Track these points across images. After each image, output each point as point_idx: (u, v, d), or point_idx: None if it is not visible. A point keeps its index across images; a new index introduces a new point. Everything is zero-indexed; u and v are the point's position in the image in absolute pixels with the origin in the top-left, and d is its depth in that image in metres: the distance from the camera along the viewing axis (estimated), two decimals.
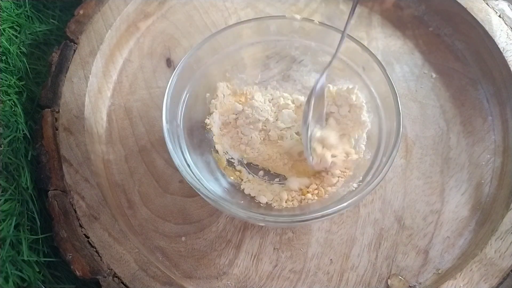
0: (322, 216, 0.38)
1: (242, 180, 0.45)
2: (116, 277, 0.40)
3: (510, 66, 0.50)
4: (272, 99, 0.48)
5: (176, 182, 0.47)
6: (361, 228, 0.45)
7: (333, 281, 0.43)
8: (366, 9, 0.58)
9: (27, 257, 0.39)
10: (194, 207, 0.46)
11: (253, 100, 0.47)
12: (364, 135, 0.45)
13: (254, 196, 0.44)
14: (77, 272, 0.40)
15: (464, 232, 0.45)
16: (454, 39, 0.56)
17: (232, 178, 0.45)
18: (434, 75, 0.54)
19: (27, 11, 0.54)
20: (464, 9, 0.53)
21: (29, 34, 0.53)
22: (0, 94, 0.46)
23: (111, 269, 0.40)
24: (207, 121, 0.47)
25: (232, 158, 0.46)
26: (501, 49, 0.51)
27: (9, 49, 0.49)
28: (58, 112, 0.47)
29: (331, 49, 0.48)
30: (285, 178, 0.45)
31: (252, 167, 0.46)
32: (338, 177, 0.44)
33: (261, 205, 0.43)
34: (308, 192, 0.43)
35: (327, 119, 0.46)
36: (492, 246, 0.42)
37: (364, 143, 0.45)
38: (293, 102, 0.48)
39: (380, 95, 0.45)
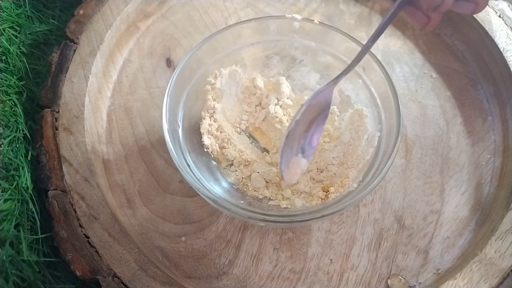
0: (322, 216, 0.38)
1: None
2: (116, 277, 0.40)
3: (510, 66, 0.50)
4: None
5: (176, 182, 0.47)
6: (361, 228, 0.45)
7: (333, 281, 0.43)
8: (366, 9, 0.58)
9: (27, 257, 0.39)
10: (194, 207, 0.46)
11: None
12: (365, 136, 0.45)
13: (256, 192, 0.44)
14: (77, 272, 0.40)
15: (464, 232, 0.45)
16: (454, 39, 0.56)
17: (232, 178, 0.45)
18: (434, 75, 0.54)
19: (27, 11, 0.54)
20: None
21: (29, 34, 0.53)
22: (0, 94, 0.46)
23: (111, 269, 0.40)
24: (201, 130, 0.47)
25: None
26: (501, 49, 0.51)
27: (9, 49, 0.49)
28: (58, 112, 0.47)
29: (331, 49, 0.48)
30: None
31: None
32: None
33: (261, 204, 0.43)
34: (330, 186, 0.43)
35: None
36: (492, 246, 0.42)
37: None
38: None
39: (380, 95, 0.45)
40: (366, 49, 0.40)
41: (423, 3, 0.31)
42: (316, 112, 0.43)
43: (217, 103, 0.47)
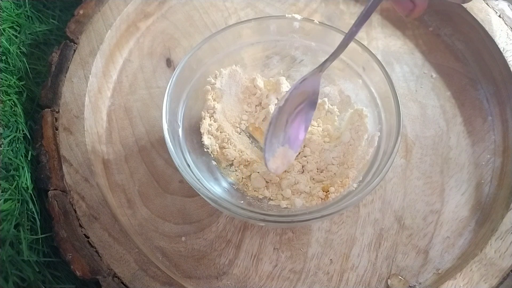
0: (322, 216, 0.38)
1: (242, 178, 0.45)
2: (116, 277, 0.40)
3: (510, 66, 0.50)
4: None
5: (176, 182, 0.47)
6: (361, 228, 0.45)
7: (333, 281, 0.43)
8: None
9: (27, 257, 0.39)
10: (194, 207, 0.46)
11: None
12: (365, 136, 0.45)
13: (256, 192, 0.44)
14: (77, 272, 0.40)
15: (464, 232, 0.45)
16: (454, 39, 0.56)
17: (232, 178, 0.45)
18: (434, 75, 0.54)
19: (27, 11, 0.54)
20: (464, 9, 0.53)
21: (29, 34, 0.53)
22: (0, 94, 0.46)
23: (111, 269, 0.40)
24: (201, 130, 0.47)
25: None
26: (501, 49, 0.51)
27: (9, 49, 0.49)
28: (58, 112, 0.47)
29: (331, 49, 0.48)
30: None
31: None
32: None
33: (261, 204, 0.43)
34: (330, 186, 0.43)
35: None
36: (492, 246, 0.42)
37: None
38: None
39: (380, 95, 0.45)
40: (351, 35, 0.38)
41: None
42: (303, 101, 0.40)
43: (217, 103, 0.47)
